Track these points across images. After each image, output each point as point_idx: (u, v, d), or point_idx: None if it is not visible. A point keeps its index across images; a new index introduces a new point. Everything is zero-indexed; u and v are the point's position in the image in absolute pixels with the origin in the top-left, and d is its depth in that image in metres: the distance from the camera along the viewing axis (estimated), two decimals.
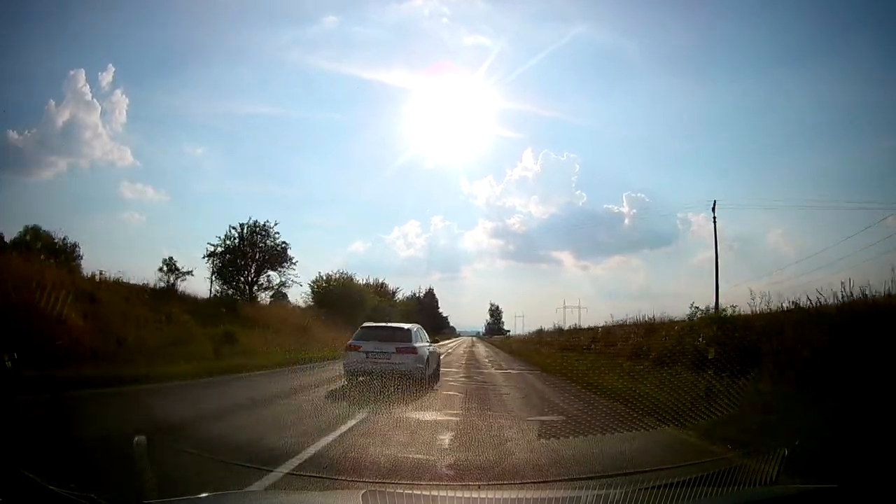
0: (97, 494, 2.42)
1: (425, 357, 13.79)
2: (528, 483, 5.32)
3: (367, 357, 12.96)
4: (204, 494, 3.30)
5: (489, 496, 4.01)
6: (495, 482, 5.31)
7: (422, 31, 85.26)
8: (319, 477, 5.29)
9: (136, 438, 3.93)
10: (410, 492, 4.17)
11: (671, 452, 6.77)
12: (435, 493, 4.11)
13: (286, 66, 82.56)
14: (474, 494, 4.05)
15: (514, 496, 4.55)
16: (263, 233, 37.37)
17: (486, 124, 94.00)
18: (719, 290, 31.40)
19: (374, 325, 15.31)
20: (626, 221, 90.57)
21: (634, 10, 76.33)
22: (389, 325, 16.18)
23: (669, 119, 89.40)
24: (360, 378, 12.78)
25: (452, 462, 6.04)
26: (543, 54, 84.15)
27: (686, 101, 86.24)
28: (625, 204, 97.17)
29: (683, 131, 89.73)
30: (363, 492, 3.91)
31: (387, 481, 5.18)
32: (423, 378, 12.97)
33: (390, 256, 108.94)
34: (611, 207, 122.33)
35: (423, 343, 14.56)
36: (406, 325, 15.24)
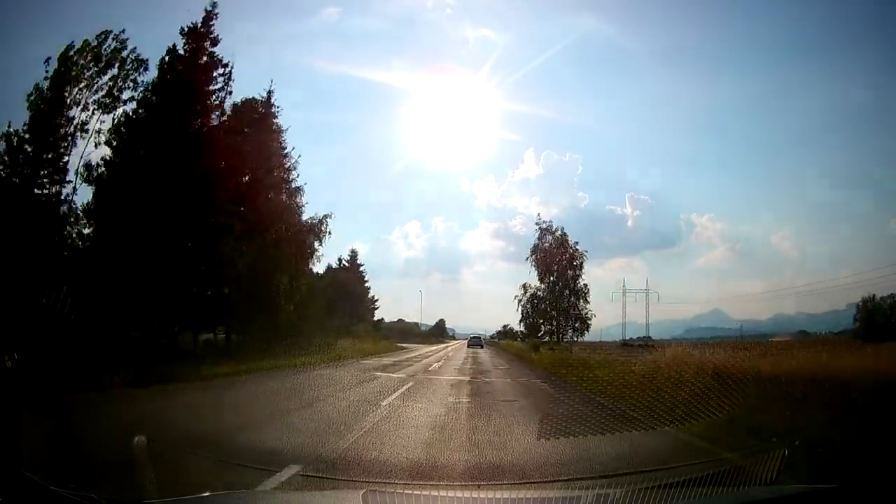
0: (97, 494, 2.43)
1: (483, 342, 57.67)
2: (528, 483, 5.31)
3: (471, 341, 55.41)
4: (204, 494, 3.30)
5: (489, 496, 4.02)
6: (495, 482, 5.31)
7: (425, 23, 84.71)
8: (320, 477, 5.29)
9: (136, 438, 3.93)
10: (410, 492, 4.17)
11: None
12: (435, 492, 4.11)
13: (285, 64, 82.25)
14: (474, 494, 4.06)
15: (514, 496, 4.55)
16: None
17: (489, 124, 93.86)
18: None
19: (473, 335, 60.95)
20: (629, 223, 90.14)
21: (641, 4, 76.20)
22: (477, 335, 62.93)
23: (674, 119, 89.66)
24: (469, 347, 48.53)
25: None
26: (548, 53, 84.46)
27: (691, 99, 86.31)
28: (628, 205, 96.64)
29: (688, 131, 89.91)
30: (363, 492, 3.92)
31: (387, 481, 5.18)
32: (482, 346, 52.29)
33: (391, 257, 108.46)
34: (613, 209, 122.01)
35: (483, 339, 61.65)
36: (480, 335, 64.56)
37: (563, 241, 40.61)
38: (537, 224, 41.82)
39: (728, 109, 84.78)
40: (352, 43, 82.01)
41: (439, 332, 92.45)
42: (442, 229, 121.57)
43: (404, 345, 50.70)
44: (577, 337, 40.26)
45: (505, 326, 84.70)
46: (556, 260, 40.02)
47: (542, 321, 42.58)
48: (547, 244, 40.75)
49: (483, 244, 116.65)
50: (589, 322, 40.37)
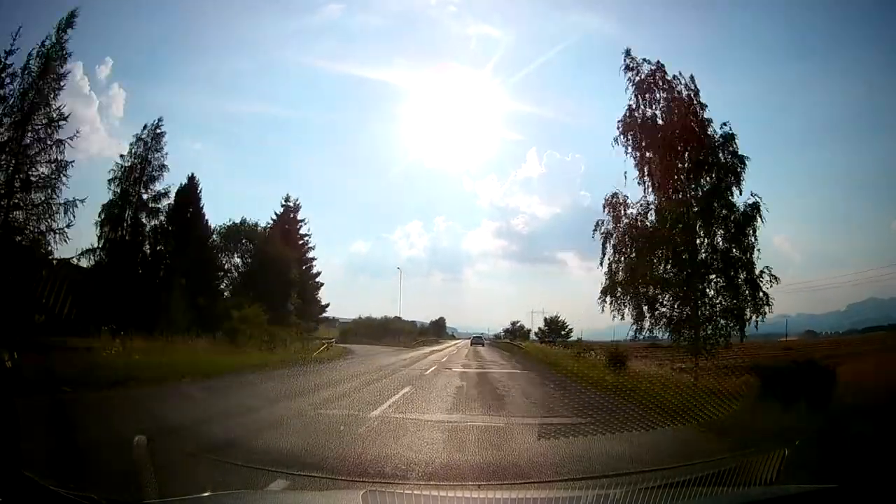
0: (97, 494, 2.42)
1: (485, 339, 68.77)
2: (527, 483, 5.31)
3: (474, 339, 65.64)
4: (204, 494, 3.30)
5: (489, 496, 4.01)
6: (495, 482, 5.30)
7: (428, 20, 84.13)
8: (320, 477, 5.29)
9: (136, 438, 3.91)
10: (410, 492, 4.17)
11: None
12: (434, 493, 4.10)
13: (287, 62, 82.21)
14: (474, 494, 4.05)
15: (513, 496, 4.54)
16: None
17: (491, 123, 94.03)
18: None
19: (475, 335, 69.75)
20: None
21: (643, 4, 75.95)
22: (480, 334, 72.97)
23: None
24: (472, 345, 56.37)
25: None
26: (551, 52, 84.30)
27: None
28: None
29: None
30: (363, 492, 3.91)
31: (386, 481, 5.18)
32: (484, 344, 60.08)
33: (392, 256, 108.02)
34: None
35: (486, 337, 73.41)
36: (482, 334, 74.58)
37: (690, 107, 16.58)
38: (629, 68, 17.24)
39: (728, 109, 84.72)
40: (353, 41, 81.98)
41: (437, 331, 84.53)
42: (444, 228, 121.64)
43: (352, 346, 34.30)
44: (731, 330, 15.93)
45: (514, 324, 77.70)
46: (684, 147, 16.51)
47: (657, 292, 16.64)
48: (658, 111, 16.98)
49: (485, 243, 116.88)
50: (766, 296, 15.60)
